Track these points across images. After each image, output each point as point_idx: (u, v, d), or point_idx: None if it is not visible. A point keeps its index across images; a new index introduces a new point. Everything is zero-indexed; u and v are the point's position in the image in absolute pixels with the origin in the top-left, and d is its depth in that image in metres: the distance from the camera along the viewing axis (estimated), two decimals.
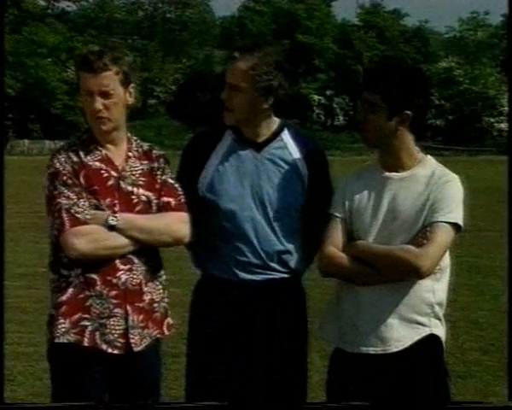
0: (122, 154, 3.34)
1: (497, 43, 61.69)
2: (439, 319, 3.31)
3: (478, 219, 14.30)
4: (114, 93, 3.25)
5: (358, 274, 3.25)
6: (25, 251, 11.62)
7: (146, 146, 3.42)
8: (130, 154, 3.35)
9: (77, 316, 3.23)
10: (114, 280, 3.23)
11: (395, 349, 3.24)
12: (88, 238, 3.18)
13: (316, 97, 60.51)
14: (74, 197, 3.21)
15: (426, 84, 3.40)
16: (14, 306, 7.82)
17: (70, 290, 3.23)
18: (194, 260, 3.59)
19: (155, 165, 3.37)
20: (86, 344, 3.22)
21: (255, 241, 3.43)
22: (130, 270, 3.25)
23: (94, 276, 3.22)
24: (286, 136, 3.52)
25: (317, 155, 3.56)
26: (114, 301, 3.23)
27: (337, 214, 3.33)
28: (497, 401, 5.38)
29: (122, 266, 3.24)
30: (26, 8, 58.06)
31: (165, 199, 3.33)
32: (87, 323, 3.23)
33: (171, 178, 3.38)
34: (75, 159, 3.28)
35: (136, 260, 3.27)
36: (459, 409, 3.58)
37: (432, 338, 3.28)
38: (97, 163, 3.29)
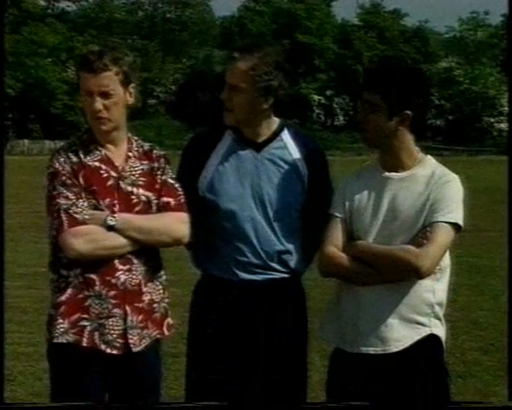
0: (122, 154, 3.33)
1: (496, 43, 61.72)
2: (439, 319, 3.31)
3: (478, 219, 14.30)
4: (114, 93, 3.24)
5: (358, 274, 3.25)
6: (25, 251, 11.62)
7: (147, 146, 3.41)
8: (130, 154, 3.35)
9: (76, 316, 3.22)
10: (113, 280, 3.22)
11: (395, 349, 3.24)
12: (86, 238, 3.18)
13: (316, 97, 60.54)
14: (73, 197, 3.21)
15: (426, 84, 3.40)
16: (14, 306, 7.82)
17: (69, 290, 3.23)
18: (194, 261, 3.58)
19: (156, 165, 3.36)
20: (85, 344, 3.22)
21: (255, 241, 3.43)
22: (129, 270, 3.25)
23: (93, 276, 3.22)
24: (286, 136, 3.52)
25: (316, 155, 3.56)
26: (113, 302, 3.23)
27: (337, 214, 3.33)
28: (497, 401, 5.38)
29: (121, 267, 3.24)
30: (26, 8, 58.09)
31: (165, 199, 3.32)
32: (86, 323, 3.22)
33: (172, 179, 3.38)
34: (75, 159, 3.28)
35: (135, 261, 3.26)
36: (459, 409, 3.58)
37: (432, 338, 3.28)
38: (97, 163, 3.29)
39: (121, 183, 3.29)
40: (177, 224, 3.30)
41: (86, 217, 3.20)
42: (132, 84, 3.30)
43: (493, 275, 10.12)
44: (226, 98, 3.43)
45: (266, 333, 3.45)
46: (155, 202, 3.32)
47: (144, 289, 3.29)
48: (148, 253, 3.30)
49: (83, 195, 3.22)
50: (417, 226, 3.22)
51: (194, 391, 3.54)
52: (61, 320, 3.23)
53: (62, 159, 3.26)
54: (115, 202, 3.26)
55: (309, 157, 3.50)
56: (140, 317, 3.28)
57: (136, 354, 3.27)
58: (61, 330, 3.23)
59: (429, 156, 3.36)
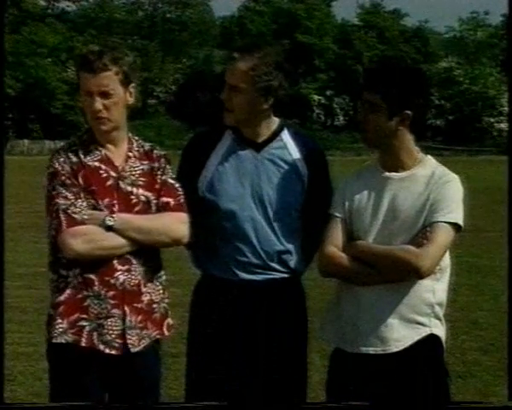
0: (122, 154, 3.33)
1: (496, 43, 61.72)
2: (439, 319, 3.31)
3: (478, 219, 14.30)
4: (114, 93, 3.24)
5: (358, 274, 3.25)
6: (25, 251, 11.62)
7: (147, 146, 3.41)
8: (130, 154, 3.34)
9: (75, 316, 3.22)
10: (112, 281, 3.22)
11: (395, 349, 3.24)
12: (84, 239, 3.18)
13: (316, 97, 60.55)
14: (72, 198, 3.21)
15: (426, 84, 3.40)
16: (14, 306, 7.83)
17: (68, 291, 3.23)
18: (194, 261, 3.58)
19: (156, 165, 3.36)
20: (84, 344, 3.21)
21: (255, 241, 3.43)
22: (128, 270, 3.25)
23: (92, 276, 3.21)
24: (286, 136, 3.52)
25: (316, 155, 3.56)
26: (112, 302, 3.22)
27: (337, 214, 3.33)
28: (497, 401, 5.38)
29: (120, 267, 3.23)
30: (26, 8, 58.10)
31: (165, 199, 3.32)
32: (85, 323, 3.22)
33: (172, 179, 3.37)
34: (74, 159, 3.27)
35: (134, 261, 3.26)
36: (459, 409, 3.58)
37: (432, 338, 3.28)
38: (97, 163, 3.28)
39: (121, 183, 3.28)
40: (176, 224, 3.29)
41: (85, 217, 3.20)
42: (132, 84, 3.30)
43: (493, 275, 10.12)
44: (226, 98, 3.42)
45: (266, 333, 3.45)
46: (155, 202, 3.31)
47: (144, 290, 3.29)
48: (148, 253, 3.30)
49: (82, 195, 3.22)
50: (417, 226, 3.21)
51: (194, 391, 3.54)
52: (59, 320, 3.23)
53: (62, 159, 3.26)
54: (114, 202, 3.25)
55: (309, 157, 3.50)
56: (139, 317, 3.27)
57: (135, 354, 3.26)
58: (60, 330, 3.22)
59: (429, 156, 3.36)
